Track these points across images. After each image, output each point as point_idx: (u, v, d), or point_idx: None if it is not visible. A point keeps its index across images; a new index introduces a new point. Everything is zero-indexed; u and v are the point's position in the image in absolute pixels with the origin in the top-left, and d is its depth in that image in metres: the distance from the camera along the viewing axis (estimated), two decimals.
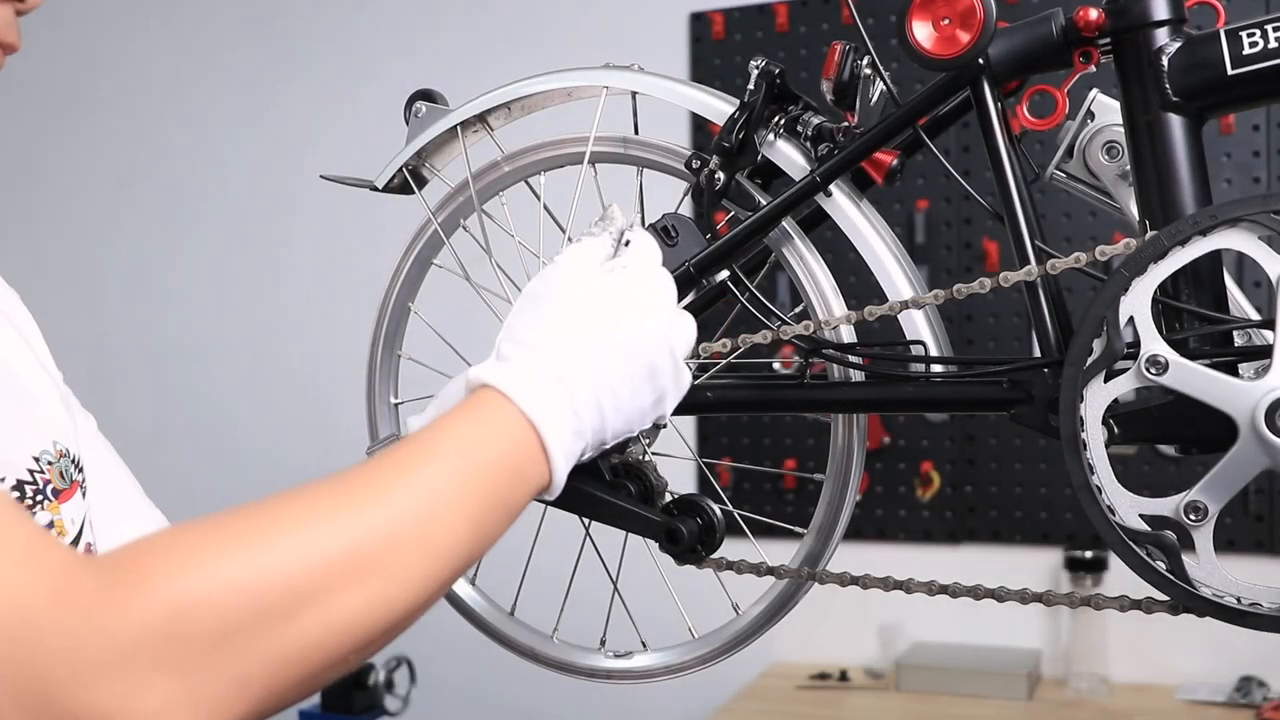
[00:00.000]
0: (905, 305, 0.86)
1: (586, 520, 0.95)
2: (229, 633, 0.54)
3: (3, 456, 0.78)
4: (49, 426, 0.83)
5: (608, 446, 0.78)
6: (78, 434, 0.88)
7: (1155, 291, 0.76)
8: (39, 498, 0.81)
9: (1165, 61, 0.80)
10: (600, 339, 0.76)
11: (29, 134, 3.13)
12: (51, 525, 0.80)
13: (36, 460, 0.80)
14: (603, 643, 1.00)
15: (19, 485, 0.79)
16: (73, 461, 0.85)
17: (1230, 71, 0.79)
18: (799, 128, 0.90)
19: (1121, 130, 0.85)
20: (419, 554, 0.63)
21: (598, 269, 0.79)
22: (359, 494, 0.63)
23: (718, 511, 0.91)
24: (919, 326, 0.87)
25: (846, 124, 0.89)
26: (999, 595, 0.84)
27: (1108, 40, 0.83)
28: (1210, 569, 0.76)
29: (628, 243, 0.82)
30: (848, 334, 0.89)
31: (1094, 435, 0.77)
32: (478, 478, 0.68)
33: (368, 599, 0.60)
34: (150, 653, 0.52)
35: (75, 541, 0.82)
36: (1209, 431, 0.75)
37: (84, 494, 0.85)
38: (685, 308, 0.94)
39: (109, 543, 0.87)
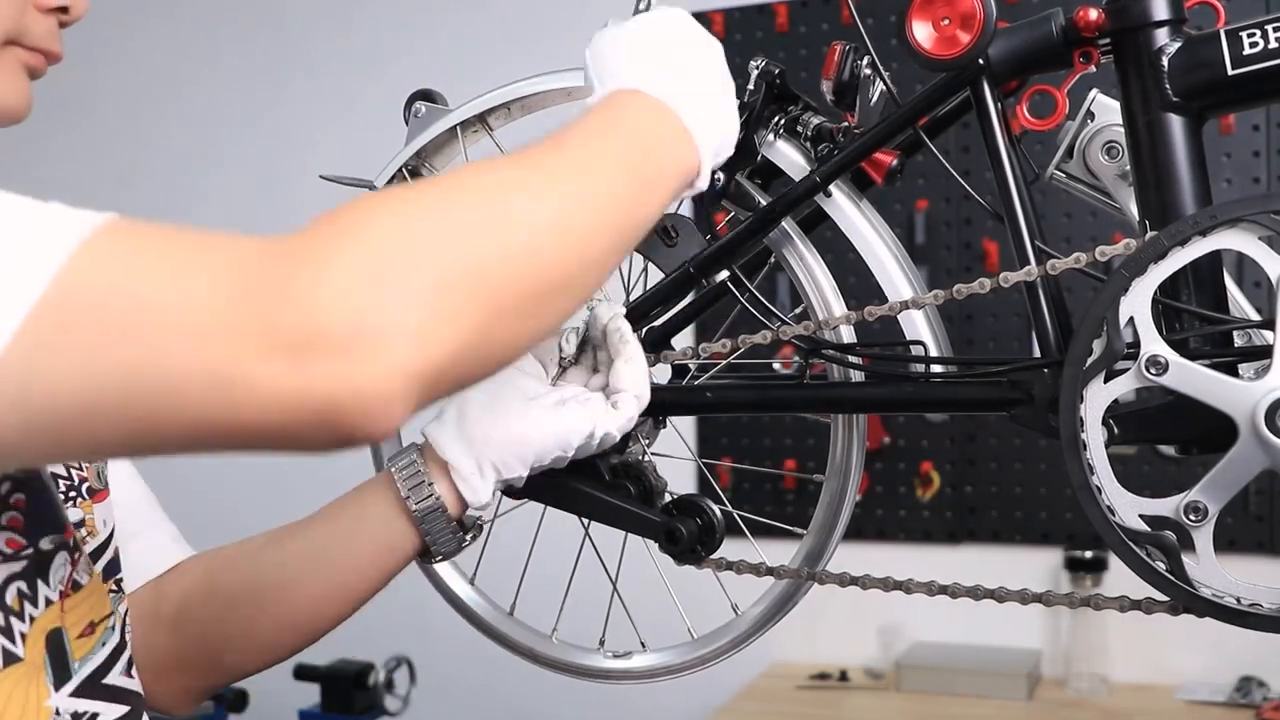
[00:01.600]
0: (905, 305, 0.86)
1: (586, 520, 0.95)
2: (428, 246, 0.58)
3: None
4: None
5: (720, 161, 0.80)
6: None
7: (1155, 292, 0.76)
8: (73, 494, 0.81)
9: (1165, 61, 0.80)
10: (672, 60, 0.78)
11: (29, 133, 3.12)
12: (82, 524, 0.80)
13: None
14: (602, 643, 1.00)
15: (55, 478, 0.79)
16: (106, 465, 0.86)
17: (1230, 72, 0.78)
18: (799, 128, 0.90)
19: (1121, 130, 0.85)
20: (579, 191, 0.65)
21: (628, 21, 0.81)
22: (513, 158, 0.66)
23: (717, 512, 0.91)
24: (919, 327, 0.87)
25: (846, 124, 0.89)
26: (999, 595, 0.84)
27: (1108, 40, 0.83)
28: (1210, 569, 0.76)
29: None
30: (847, 334, 0.89)
31: (1094, 435, 0.77)
32: (628, 142, 0.71)
33: (546, 222, 0.62)
34: (370, 270, 0.56)
35: (105, 544, 0.83)
36: (1209, 432, 0.75)
37: (110, 501, 0.86)
38: (684, 308, 0.94)
39: (127, 555, 0.87)
